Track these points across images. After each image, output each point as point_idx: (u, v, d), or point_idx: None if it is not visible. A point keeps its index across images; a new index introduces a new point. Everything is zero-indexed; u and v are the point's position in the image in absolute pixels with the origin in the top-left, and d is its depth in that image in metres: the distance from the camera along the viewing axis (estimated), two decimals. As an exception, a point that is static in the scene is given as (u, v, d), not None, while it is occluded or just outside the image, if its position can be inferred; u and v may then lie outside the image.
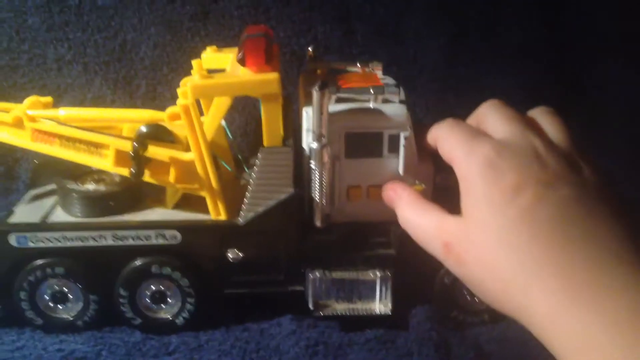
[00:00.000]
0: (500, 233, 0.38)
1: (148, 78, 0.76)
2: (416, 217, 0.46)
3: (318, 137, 0.50)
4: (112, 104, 0.76)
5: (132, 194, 0.57)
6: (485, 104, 0.46)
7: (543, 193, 0.38)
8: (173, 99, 0.71)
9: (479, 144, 0.41)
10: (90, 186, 0.57)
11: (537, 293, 0.36)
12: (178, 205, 0.57)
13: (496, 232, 0.38)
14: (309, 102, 0.51)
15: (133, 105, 0.76)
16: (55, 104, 0.58)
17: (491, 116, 0.44)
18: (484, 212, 0.39)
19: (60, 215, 0.56)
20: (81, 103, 0.75)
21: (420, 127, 0.52)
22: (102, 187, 0.57)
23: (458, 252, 0.41)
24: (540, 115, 0.44)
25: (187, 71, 0.60)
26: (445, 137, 0.45)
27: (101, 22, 0.74)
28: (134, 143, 0.51)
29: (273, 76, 0.50)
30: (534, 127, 0.43)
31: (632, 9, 0.78)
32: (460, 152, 0.42)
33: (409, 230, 0.47)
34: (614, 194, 0.39)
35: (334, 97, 0.51)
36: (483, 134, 0.43)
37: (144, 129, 0.56)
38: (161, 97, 0.76)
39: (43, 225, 0.53)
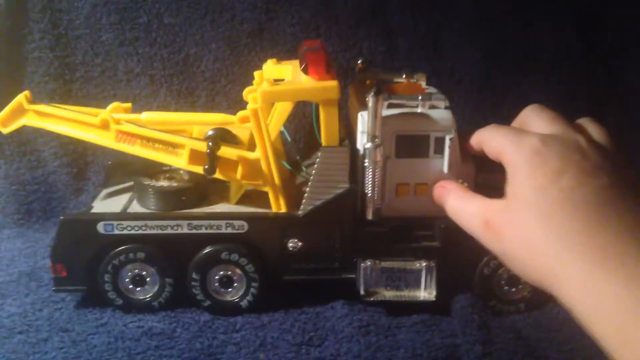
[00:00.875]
0: (541, 210, 0.42)
1: (208, 89, 0.82)
2: (462, 203, 0.51)
3: (372, 138, 0.56)
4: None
5: (201, 190, 0.64)
6: (528, 108, 0.50)
7: (583, 178, 0.41)
8: (230, 108, 0.79)
9: (527, 137, 0.45)
10: (164, 183, 0.63)
11: (569, 260, 0.39)
12: (240, 202, 0.63)
13: (536, 209, 0.42)
14: (363, 107, 0.57)
15: (193, 114, 0.82)
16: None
17: (534, 117, 0.49)
18: (527, 192, 0.43)
19: (137, 208, 0.62)
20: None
21: (462, 132, 0.58)
22: (174, 183, 0.63)
23: (497, 227, 0.45)
24: (585, 121, 0.48)
25: (244, 83, 0.67)
26: (492, 137, 0.49)
27: (167, 38, 0.81)
28: (209, 143, 0.58)
29: (333, 83, 0.56)
30: (576, 127, 0.47)
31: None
32: (509, 145, 0.46)
33: (455, 216, 0.52)
34: None
35: (386, 102, 0.57)
36: (527, 130, 0.47)
37: (212, 131, 0.63)
38: (219, 106, 0.82)
39: (128, 215, 0.60)
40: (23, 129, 0.79)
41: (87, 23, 0.80)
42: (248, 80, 0.66)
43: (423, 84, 0.64)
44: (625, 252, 0.38)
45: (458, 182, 0.56)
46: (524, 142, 0.45)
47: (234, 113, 0.64)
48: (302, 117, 0.81)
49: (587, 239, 0.39)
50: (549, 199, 0.42)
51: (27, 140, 0.82)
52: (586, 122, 0.48)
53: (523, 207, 0.43)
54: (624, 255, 0.37)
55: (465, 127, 0.56)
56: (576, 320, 0.39)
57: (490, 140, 0.50)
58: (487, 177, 0.58)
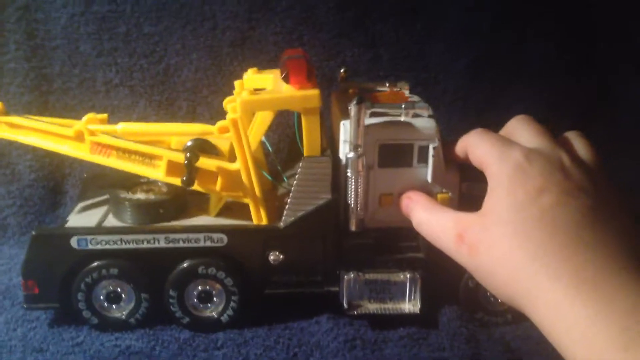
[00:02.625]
0: (519, 228, 0.41)
1: (189, 100, 0.81)
2: (431, 215, 0.50)
3: (354, 148, 0.55)
4: (155, 123, 0.81)
5: (179, 202, 0.62)
6: (515, 119, 0.50)
7: (564, 199, 0.41)
8: (212, 118, 0.77)
9: (511, 150, 0.45)
10: (141, 195, 0.62)
11: (544, 280, 0.38)
12: (220, 214, 0.61)
13: (514, 227, 0.41)
14: (345, 116, 0.56)
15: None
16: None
17: (521, 129, 0.48)
18: (506, 208, 0.42)
19: (113, 222, 0.60)
20: (126, 123, 0.81)
21: (446, 141, 0.57)
22: (151, 196, 0.61)
23: (472, 241, 0.44)
24: (571, 136, 0.48)
25: (226, 93, 0.66)
26: (476, 144, 0.48)
27: (147, 48, 0.79)
28: (187, 154, 0.56)
29: (314, 92, 0.55)
30: (562, 142, 0.47)
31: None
32: (492, 156, 0.46)
33: (423, 228, 0.51)
34: (628, 210, 0.43)
35: (368, 111, 0.56)
36: (513, 141, 0.46)
37: (191, 142, 0.61)
38: (200, 117, 0.81)
39: (102, 229, 0.58)
40: (-3, 142, 0.79)
41: (64, 33, 0.79)
42: (230, 91, 0.65)
43: (406, 92, 0.63)
44: (601, 277, 0.37)
45: (436, 194, 0.55)
46: (507, 155, 0.44)
47: (215, 124, 0.62)
48: (286, 127, 0.80)
49: (563, 262, 0.38)
50: (528, 218, 0.41)
51: (1, 154, 0.80)
52: (572, 137, 0.48)
53: (501, 223, 0.42)
54: (599, 280, 0.37)
55: (450, 136, 0.55)
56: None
57: (475, 147, 0.49)
58: (471, 186, 0.57)
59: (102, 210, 0.64)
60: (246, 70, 0.67)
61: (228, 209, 0.61)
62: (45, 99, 0.80)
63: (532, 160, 0.43)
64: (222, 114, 0.66)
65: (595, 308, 0.36)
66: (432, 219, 0.50)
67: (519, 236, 0.41)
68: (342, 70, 0.68)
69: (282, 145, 0.80)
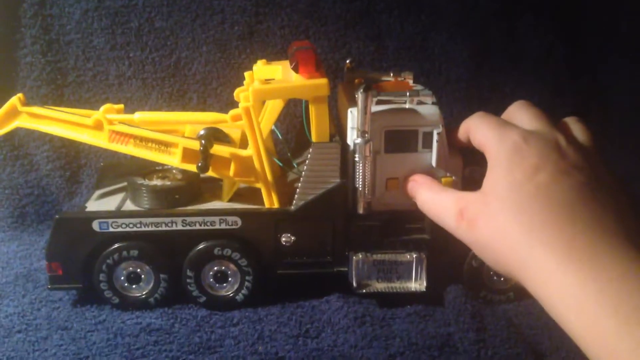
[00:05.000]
0: (516, 203, 0.43)
1: (199, 92, 0.84)
2: (434, 194, 0.53)
3: (362, 134, 0.57)
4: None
5: (194, 188, 0.64)
6: (515, 104, 0.52)
7: (558, 176, 0.43)
8: (221, 109, 0.80)
9: (509, 131, 0.47)
10: (157, 182, 0.64)
11: (539, 251, 0.40)
12: (233, 199, 0.64)
13: (512, 202, 0.43)
14: (352, 104, 0.59)
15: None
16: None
17: (520, 113, 0.50)
18: (504, 186, 0.45)
19: (131, 208, 0.63)
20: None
21: (450, 127, 0.59)
22: (167, 182, 0.64)
23: (471, 216, 0.46)
24: (570, 120, 0.50)
25: (235, 84, 0.68)
26: (477, 126, 0.51)
27: (158, 42, 0.82)
28: (202, 141, 0.59)
29: (323, 81, 0.57)
30: (559, 125, 0.49)
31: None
32: (492, 137, 0.48)
33: (427, 207, 0.53)
34: (622, 190, 0.44)
35: (374, 99, 0.58)
36: (513, 124, 0.49)
37: (204, 131, 0.64)
38: (211, 108, 0.83)
39: (123, 213, 0.61)
40: (15, 133, 0.81)
41: (79, 28, 0.81)
42: (239, 82, 0.67)
43: (410, 82, 0.65)
44: (593, 246, 0.39)
45: (440, 177, 0.58)
46: (506, 136, 0.47)
47: (228, 112, 0.65)
48: (293, 117, 0.83)
49: (557, 233, 0.41)
50: (524, 194, 0.43)
51: (19, 145, 0.83)
52: (570, 121, 0.50)
53: (499, 199, 0.45)
54: (591, 249, 0.39)
55: (455, 124, 0.58)
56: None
57: (475, 130, 0.51)
58: (474, 170, 0.60)
59: (119, 197, 0.66)
60: (254, 63, 0.69)
61: (240, 195, 0.64)
62: (61, 92, 0.83)
63: (529, 141, 0.46)
64: (231, 105, 0.69)
65: (587, 276, 0.38)
66: (435, 198, 0.53)
67: (516, 211, 0.43)
68: (347, 61, 0.70)
69: (290, 135, 0.82)
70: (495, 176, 0.46)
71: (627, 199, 0.44)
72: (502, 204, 0.44)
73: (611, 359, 0.35)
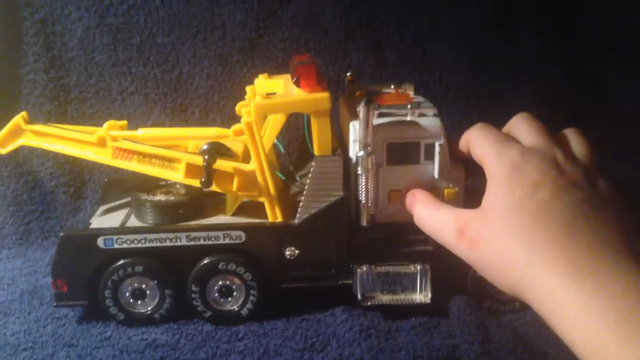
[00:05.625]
0: (516, 222, 0.43)
1: (201, 106, 0.84)
2: (432, 212, 0.53)
3: (364, 147, 0.58)
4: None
5: (197, 203, 0.65)
6: (517, 116, 0.52)
7: (559, 193, 0.43)
8: (223, 123, 0.81)
9: (508, 148, 0.47)
10: (161, 197, 0.65)
11: (541, 269, 0.40)
12: (236, 213, 0.64)
13: (512, 221, 0.43)
14: (354, 117, 0.59)
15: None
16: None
17: (521, 126, 0.51)
18: (503, 204, 0.45)
19: (135, 223, 0.63)
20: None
21: (451, 138, 0.60)
22: (171, 198, 0.64)
23: (472, 236, 0.46)
24: (569, 133, 0.50)
25: (236, 98, 0.69)
26: (477, 140, 0.51)
27: (160, 57, 0.83)
28: (205, 156, 0.59)
29: (324, 95, 0.58)
30: (559, 141, 0.49)
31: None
32: (491, 153, 0.48)
33: (423, 223, 0.53)
34: (623, 202, 0.44)
35: (376, 112, 0.58)
36: (512, 139, 0.49)
37: (207, 145, 0.64)
38: (213, 122, 0.83)
39: (127, 229, 0.61)
40: (19, 150, 0.81)
41: (81, 45, 0.82)
42: (240, 96, 0.68)
43: (411, 93, 0.66)
44: (595, 263, 0.39)
45: (441, 189, 0.58)
46: (504, 153, 0.47)
47: (228, 128, 0.65)
48: (295, 130, 0.83)
49: (559, 251, 0.41)
50: (524, 212, 0.43)
51: (23, 162, 0.83)
52: (570, 134, 0.50)
53: (499, 218, 0.45)
54: (593, 267, 0.39)
55: (456, 134, 0.58)
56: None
57: (475, 145, 0.52)
58: (476, 180, 0.60)
59: (123, 212, 0.67)
60: (255, 77, 0.70)
61: (243, 209, 0.64)
62: (64, 109, 0.83)
63: (528, 158, 0.46)
64: (233, 119, 0.70)
65: (589, 293, 0.38)
66: (433, 215, 0.53)
67: (517, 229, 0.43)
68: (348, 74, 0.71)
69: (292, 148, 0.83)
70: (495, 194, 0.46)
71: (629, 212, 0.44)
72: (503, 222, 0.44)
73: None
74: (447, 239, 0.49)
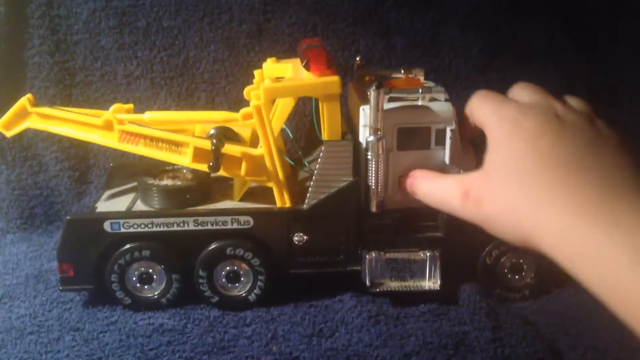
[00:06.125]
0: (520, 174, 0.43)
1: (207, 91, 0.83)
2: (435, 183, 0.53)
3: (374, 131, 0.57)
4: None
5: (204, 188, 0.64)
6: (517, 84, 0.52)
7: (560, 140, 0.43)
8: (230, 108, 0.80)
9: (506, 106, 0.47)
10: (168, 182, 0.64)
11: (549, 214, 0.40)
12: (243, 198, 0.64)
13: (516, 174, 0.44)
14: (364, 102, 0.58)
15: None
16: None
17: (520, 90, 0.51)
18: (506, 159, 0.45)
19: (141, 208, 0.63)
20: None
21: (460, 122, 0.59)
22: (178, 182, 0.64)
23: (477, 195, 0.46)
24: (566, 97, 0.50)
25: (243, 83, 0.68)
26: (477, 106, 0.51)
27: (166, 41, 0.82)
28: (214, 140, 0.58)
29: (334, 79, 0.57)
30: (557, 98, 0.49)
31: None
32: (490, 114, 0.48)
33: (430, 196, 0.53)
34: (626, 144, 0.44)
35: (387, 96, 0.58)
36: (511, 99, 0.49)
37: (214, 130, 0.63)
38: (219, 107, 0.82)
39: (135, 213, 0.61)
40: (24, 134, 0.81)
41: (86, 28, 0.81)
42: (248, 81, 0.67)
43: (421, 79, 0.65)
44: (606, 201, 0.39)
45: (426, 170, 0.57)
46: (503, 112, 0.47)
47: (236, 112, 0.64)
48: (303, 116, 0.82)
49: (568, 194, 0.40)
50: (527, 163, 0.43)
51: (28, 146, 0.82)
52: (568, 97, 0.50)
53: (502, 173, 0.45)
54: (604, 205, 0.39)
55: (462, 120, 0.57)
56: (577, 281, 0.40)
57: (475, 110, 0.52)
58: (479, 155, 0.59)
59: (129, 197, 0.66)
60: (263, 61, 0.69)
61: (251, 195, 0.64)
62: (69, 92, 0.82)
63: (526, 113, 0.46)
64: (240, 103, 0.69)
65: (603, 231, 0.37)
66: (436, 186, 0.53)
67: (521, 183, 0.43)
68: (357, 59, 0.70)
69: (300, 134, 0.82)
70: (495, 151, 0.46)
71: (631, 153, 0.43)
72: (506, 176, 0.44)
73: (633, 309, 0.35)
74: (453, 204, 0.49)
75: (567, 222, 0.39)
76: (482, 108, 0.50)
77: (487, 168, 0.47)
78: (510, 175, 0.44)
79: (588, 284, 0.38)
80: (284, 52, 0.81)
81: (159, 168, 0.66)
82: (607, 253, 0.37)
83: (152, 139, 0.62)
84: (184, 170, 0.65)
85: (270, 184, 0.60)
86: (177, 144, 0.61)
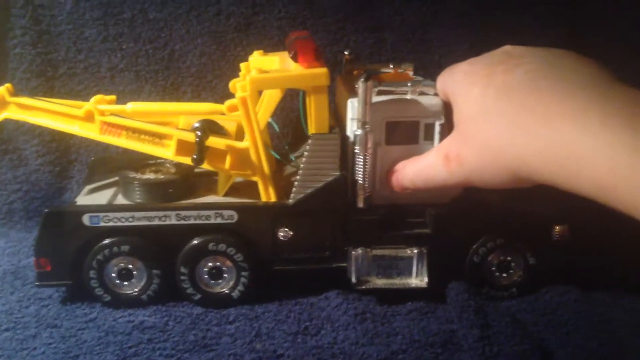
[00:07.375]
0: (484, 115, 0.44)
1: (193, 85, 0.82)
2: (417, 164, 0.54)
3: (362, 125, 0.56)
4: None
5: (188, 182, 0.63)
6: None
7: (511, 69, 0.44)
8: (216, 102, 0.78)
9: (457, 66, 0.50)
10: (150, 175, 0.62)
11: (524, 137, 0.41)
12: (228, 193, 0.62)
13: (480, 115, 0.44)
14: (352, 94, 0.57)
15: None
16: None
17: None
18: (467, 108, 0.46)
19: (123, 202, 0.61)
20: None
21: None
22: (161, 176, 0.62)
23: (455, 153, 0.47)
24: None
25: (230, 77, 0.66)
26: (438, 82, 0.54)
27: (152, 33, 0.80)
28: (198, 132, 0.57)
29: (323, 70, 0.55)
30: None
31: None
32: (447, 82, 0.51)
33: (419, 180, 0.54)
34: (583, 56, 0.44)
35: (375, 89, 0.57)
36: (461, 62, 0.51)
37: (198, 123, 0.62)
38: (205, 101, 0.80)
39: (114, 207, 0.59)
40: (4, 127, 0.79)
41: (70, 19, 0.79)
42: (235, 75, 0.65)
43: (410, 73, 0.64)
44: (570, 105, 0.39)
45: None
46: (454, 71, 0.50)
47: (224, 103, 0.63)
48: (289, 111, 0.81)
49: (533, 113, 0.41)
50: (488, 102, 0.44)
51: (8, 139, 0.80)
52: None
53: (469, 122, 0.46)
54: (571, 113, 0.39)
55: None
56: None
57: (438, 86, 0.54)
58: None
59: (110, 191, 0.64)
60: (250, 55, 0.67)
61: (235, 190, 0.62)
62: (51, 84, 0.81)
63: (475, 63, 0.48)
64: (226, 98, 0.67)
65: (579, 129, 0.37)
66: (419, 166, 0.54)
67: (487, 120, 0.44)
68: (346, 53, 0.69)
69: (287, 129, 0.80)
70: (458, 107, 0.48)
71: (590, 60, 0.43)
72: (474, 123, 0.45)
73: (635, 195, 0.35)
74: (440, 175, 0.50)
75: (546, 135, 0.39)
76: (441, 81, 0.53)
77: (457, 126, 0.48)
78: (476, 120, 0.45)
79: (586, 189, 0.38)
80: (273, 47, 0.79)
81: (141, 162, 0.64)
82: (585, 150, 0.37)
83: (135, 130, 0.60)
84: (167, 165, 0.64)
85: (255, 178, 0.59)
86: (160, 136, 0.60)
